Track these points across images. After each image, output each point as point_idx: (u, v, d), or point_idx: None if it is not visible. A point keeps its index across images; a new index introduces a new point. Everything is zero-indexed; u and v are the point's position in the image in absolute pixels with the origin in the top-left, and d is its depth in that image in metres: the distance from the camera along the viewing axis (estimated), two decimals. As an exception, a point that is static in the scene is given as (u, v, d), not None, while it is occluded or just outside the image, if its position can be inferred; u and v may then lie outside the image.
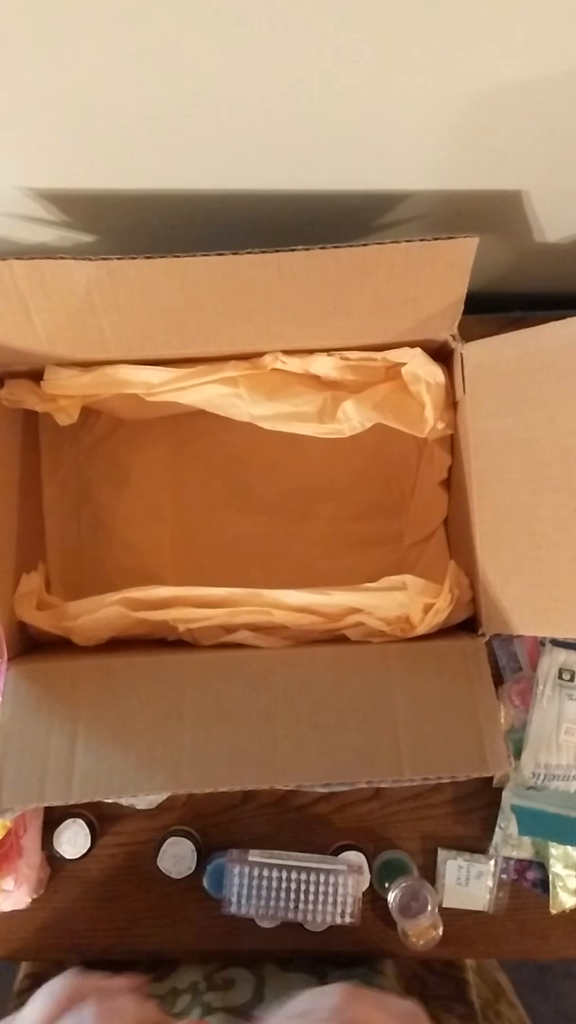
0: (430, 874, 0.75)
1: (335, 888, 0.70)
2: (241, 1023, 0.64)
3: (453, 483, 0.72)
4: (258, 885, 0.70)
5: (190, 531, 0.78)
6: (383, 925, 0.74)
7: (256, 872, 0.71)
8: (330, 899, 0.70)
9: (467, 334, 0.63)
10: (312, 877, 0.70)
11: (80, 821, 0.73)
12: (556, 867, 0.73)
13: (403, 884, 0.70)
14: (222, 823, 0.75)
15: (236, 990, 0.70)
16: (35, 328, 0.60)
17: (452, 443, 0.71)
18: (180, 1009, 0.68)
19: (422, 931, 0.71)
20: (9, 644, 0.63)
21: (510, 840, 0.74)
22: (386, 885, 0.72)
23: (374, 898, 0.74)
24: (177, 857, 0.72)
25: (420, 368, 0.65)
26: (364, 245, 0.56)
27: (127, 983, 0.51)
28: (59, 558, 0.76)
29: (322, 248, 0.56)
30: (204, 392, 0.65)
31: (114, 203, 0.62)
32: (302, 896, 0.70)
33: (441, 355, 0.66)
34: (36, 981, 0.77)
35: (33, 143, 0.55)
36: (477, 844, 0.75)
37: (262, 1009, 0.67)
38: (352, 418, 0.66)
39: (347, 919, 0.70)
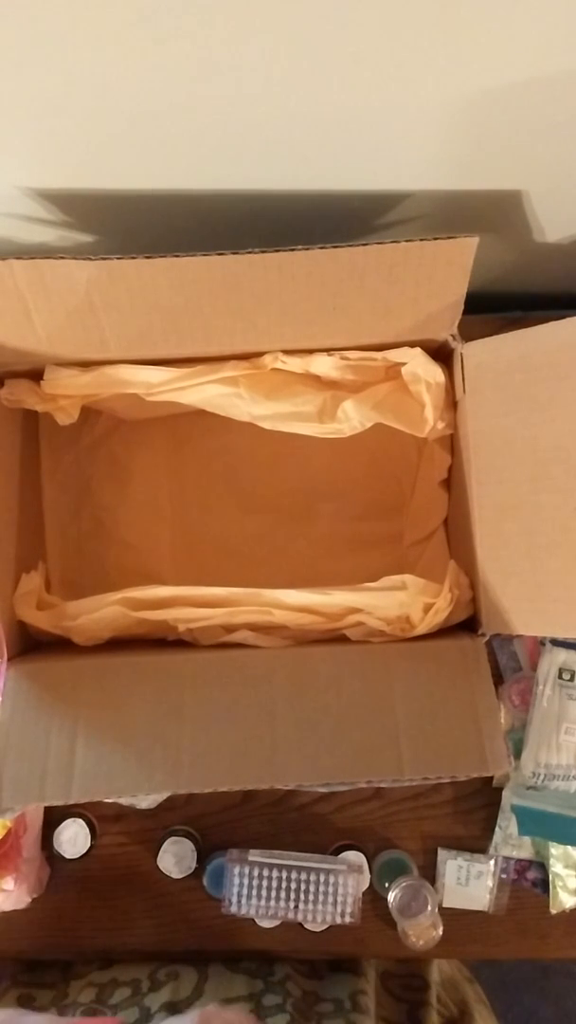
0: (430, 874, 0.75)
1: (335, 888, 0.70)
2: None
3: (453, 483, 0.72)
4: (258, 885, 0.70)
5: (190, 531, 0.78)
6: (383, 925, 0.74)
7: (256, 872, 0.71)
8: (330, 899, 0.70)
9: (467, 334, 0.63)
10: (312, 877, 0.71)
11: (80, 821, 0.73)
12: (556, 867, 0.73)
13: (403, 884, 0.70)
14: (222, 823, 0.75)
15: (178, 983, 0.70)
16: (35, 328, 0.60)
17: (452, 443, 0.71)
18: (116, 1001, 0.68)
19: (422, 931, 0.71)
20: (9, 644, 0.63)
21: (510, 840, 0.74)
22: (386, 885, 0.72)
23: (374, 898, 0.74)
24: (177, 857, 0.72)
25: (420, 368, 0.65)
26: (364, 245, 0.56)
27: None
28: (59, 558, 0.76)
29: (322, 248, 0.56)
30: (204, 392, 0.65)
31: (114, 203, 0.62)
32: (302, 896, 0.70)
33: (441, 355, 0.66)
34: None
35: (33, 143, 0.55)
36: (477, 844, 0.75)
37: (199, 1005, 0.67)
38: (352, 418, 0.66)
39: (347, 919, 0.70)
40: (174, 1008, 0.66)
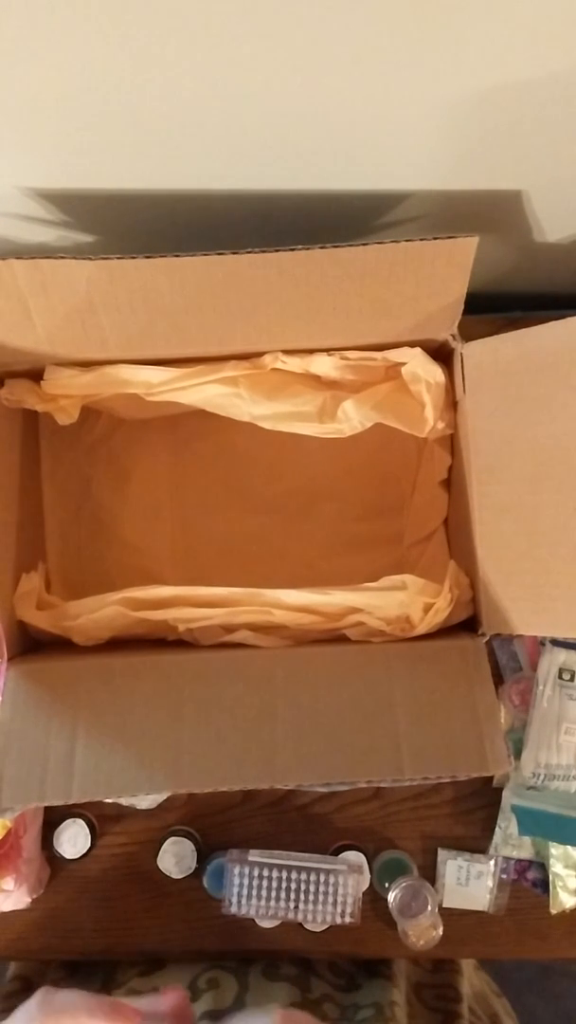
0: (430, 874, 0.75)
1: (335, 888, 0.70)
2: None
3: (453, 483, 0.72)
4: (258, 885, 0.70)
5: (190, 531, 0.78)
6: (383, 925, 0.74)
7: (256, 872, 0.71)
8: (330, 899, 0.70)
9: (467, 334, 0.63)
10: (312, 877, 0.71)
11: (80, 821, 0.73)
12: (556, 867, 0.73)
13: (403, 884, 0.70)
14: (222, 823, 0.75)
15: (220, 992, 0.70)
16: (35, 328, 0.60)
17: (452, 443, 0.71)
18: None
19: (422, 931, 0.71)
20: (9, 644, 0.63)
21: (510, 840, 0.74)
22: (386, 885, 0.72)
23: (374, 898, 0.74)
24: (177, 857, 0.72)
25: (420, 368, 0.65)
26: (364, 245, 0.56)
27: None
28: (59, 558, 0.76)
29: (322, 248, 0.56)
30: (204, 392, 0.65)
31: (114, 203, 0.62)
32: (302, 896, 0.70)
33: (441, 355, 0.66)
34: (25, 985, 0.77)
35: (33, 143, 0.55)
36: (477, 844, 0.75)
37: (242, 1016, 0.67)
38: (352, 418, 0.66)
39: (347, 919, 0.70)
40: (216, 1016, 0.66)
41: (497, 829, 0.74)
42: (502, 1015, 0.80)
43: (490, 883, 0.74)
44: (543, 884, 0.74)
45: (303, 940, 0.74)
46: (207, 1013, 0.67)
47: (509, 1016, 0.81)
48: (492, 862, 0.74)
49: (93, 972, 0.76)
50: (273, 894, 0.70)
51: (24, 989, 0.76)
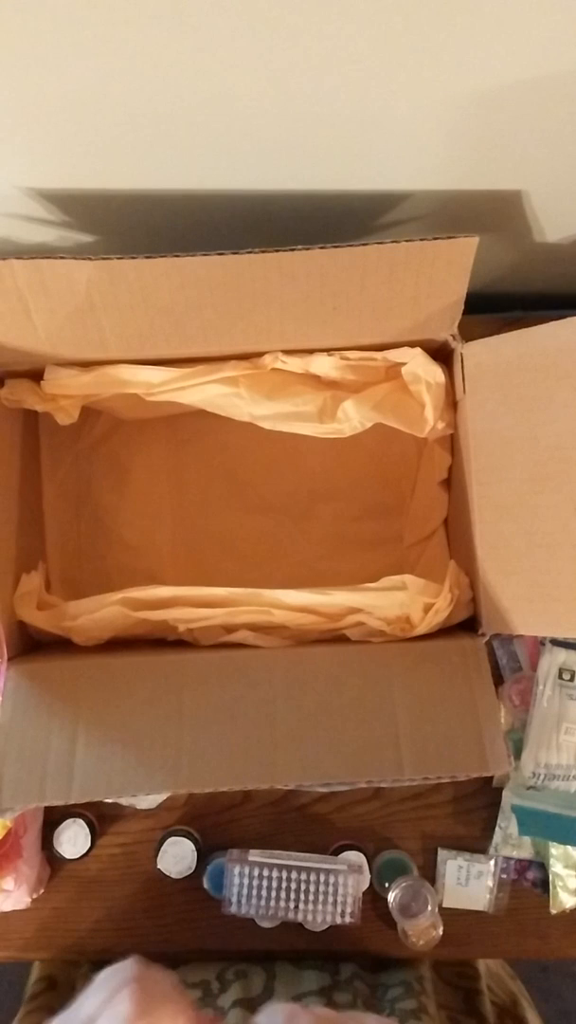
0: (430, 874, 0.75)
1: (335, 888, 0.70)
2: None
3: (453, 483, 0.72)
4: (258, 885, 0.70)
5: (190, 531, 0.78)
6: (383, 925, 0.74)
7: (256, 872, 0.71)
8: (330, 899, 0.70)
9: (467, 334, 0.63)
10: (312, 877, 0.71)
11: (80, 821, 0.73)
12: (556, 867, 0.73)
13: (403, 884, 0.70)
14: (222, 823, 0.75)
15: (248, 981, 0.70)
16: (35, 328, 0.60)
17: (452, 443, 0.71)
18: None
19: (422, 931, 0.71)
20: (9, 644, 0.63)
21: (510, 840, 0.74)
22: (386, 885, 0.72)
23: (374, 898, 0.74)
24: (177, 857, 0.72)
25: (420, 368, 0.65)
26: (364, 245, 0.56)
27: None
28: (59, 558, 0.76)
29: (322, 248, 0.56)
30: (204, 392, 0.65)
31: (114, 203, 0.62)
32: (302, 896, 0.70)
33: (441, 355, 0.66)
34: (51, 984, 0.77)
35: (33, 143, 0.55)
36: (477, 844, 0.75)
37: (273, 1002, 0.67)
38: (352, 418, 0.66)
39: (347, 919, 0.70)
40: (248, 1004, 0.67)
41: (497, 829, 0.74)
42: (519, 994, 0.81)
43: (490, 883, 0.74)
44: (543, 884, 0.74)
45: (303, 940, 0.74)
46: (239, 1001, 0.67)
47: (525, 997, 0.82)
48: (492, 862, 0.74)
49: None
50: (273, 894, 0.70)
51: (50, 988, 0.76)
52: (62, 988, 0.76)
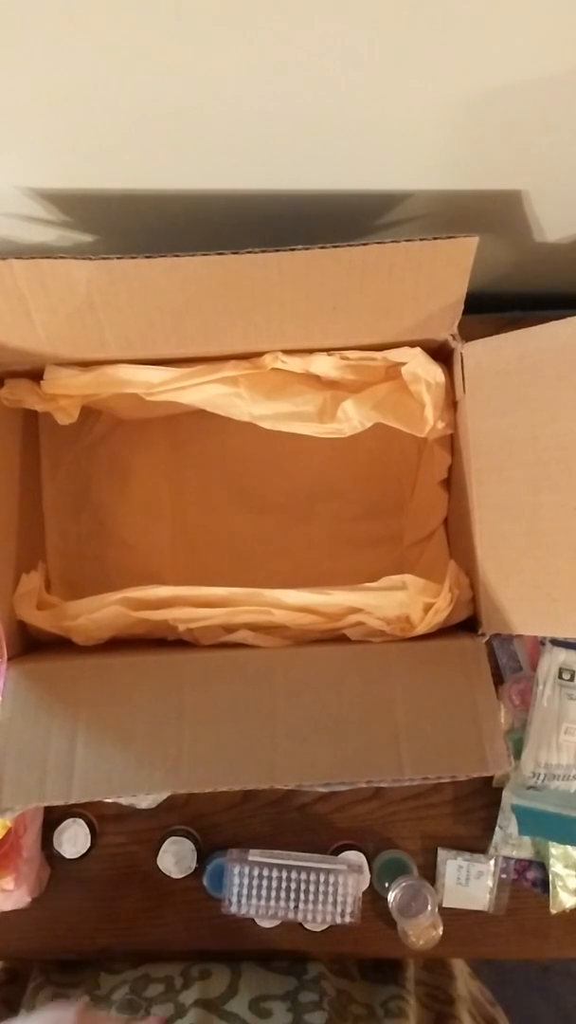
0: (430, 874, 0.75)
1: (335, 888, 0.70)
2: (214, 1018, 0.64)
3: (453, 483, 0.72)
4: (258, 885, 0.70)
5: (190, 531, 0.78)
6: (383, 925, 0.74)
7: (256, 872, 0.71)
8: (330, 899, 0.70)
9: (467, 334, 0.63)
10: (312, 877, 0.71)
11: (80, 821, 0.73)
12: (556, 867, 0.73)
13: (403, 884, 0.70)
14: (222, 823, 0.75)
15: (211, 981, 0.70)
16: (35, 328, 0.60)
17: (452, 443, 0.71)
18: (151, 995, 0.69)
19: (422, 931, 0.71)
20: (9, 644, 0.63)
21: (510, 840, 0.74)
22: (386, 885, 0.72)
23: (374, 898, 0.74)
24: (177, 857, 0.72)
25: (420, 368, 0.65)
26: (364, 245, 0.56)
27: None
28: (59, 558, 0.76)
29: (322, 248, 0.56)
30: (204, 392, 0.65)
31: (114, 203, 0.62)
32: (302, 896, 0.70)
33: (441, 355, 0.66)
34: (10, 976, 0.77)
35: (33, 143, 0.55)
36: (477, 844, 0.75)
37: (234, 1003, 0.67)
38: (352, 418, 0.66)
39: (347, 919, 0.70)
40: (208, 1004, 0.67)
41: (497, 829, 0.74)
42: (501, 1021, 0.80)
43: (490, 883, 0.74)
44: (543, 884, 0.74)
45: (303, 940, 0.74)
46: (199, 1001, 0.67)
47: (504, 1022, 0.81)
48: (492, 862, 0.74)
49: (85, 964, 0.76)
50: (273, 894, 0.70)
51: (9, 981, 0.76)
52: (22, 981, 0.76)
